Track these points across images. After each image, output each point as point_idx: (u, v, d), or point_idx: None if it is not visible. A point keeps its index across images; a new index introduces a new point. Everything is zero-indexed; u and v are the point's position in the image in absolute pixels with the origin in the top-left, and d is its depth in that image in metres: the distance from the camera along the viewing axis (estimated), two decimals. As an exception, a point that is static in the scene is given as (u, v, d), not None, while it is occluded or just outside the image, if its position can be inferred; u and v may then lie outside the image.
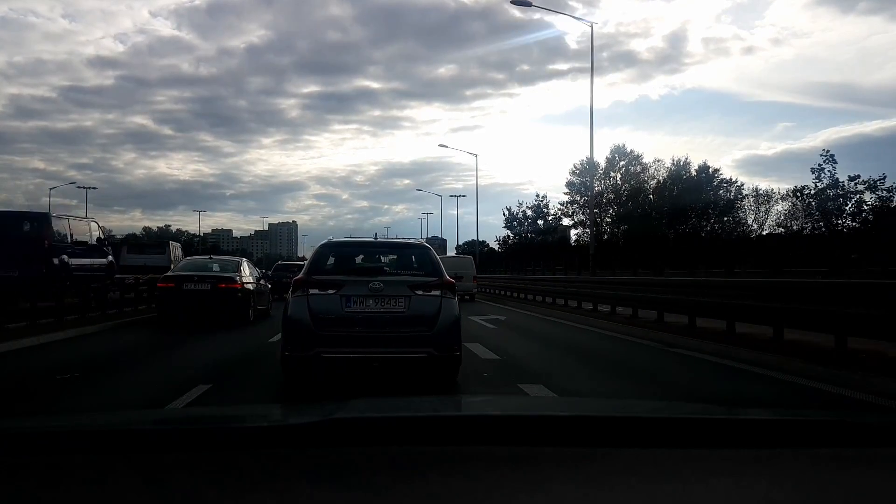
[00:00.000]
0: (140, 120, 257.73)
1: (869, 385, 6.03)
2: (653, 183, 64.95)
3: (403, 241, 8.36)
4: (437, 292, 6.36)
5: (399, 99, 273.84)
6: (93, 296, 14.09)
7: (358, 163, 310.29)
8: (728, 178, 63.08)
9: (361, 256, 7.69)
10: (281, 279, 23.01)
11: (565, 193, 72.92)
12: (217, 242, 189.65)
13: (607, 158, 69.77)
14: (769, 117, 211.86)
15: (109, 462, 1.12)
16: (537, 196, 77.50)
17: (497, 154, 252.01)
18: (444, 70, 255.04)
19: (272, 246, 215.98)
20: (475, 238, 74.25)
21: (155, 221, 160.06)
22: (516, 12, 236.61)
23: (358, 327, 6.15)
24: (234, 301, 13.89)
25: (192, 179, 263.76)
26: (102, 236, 17.36)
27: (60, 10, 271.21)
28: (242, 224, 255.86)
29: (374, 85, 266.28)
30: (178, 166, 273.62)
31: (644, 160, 68.04)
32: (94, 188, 78.80)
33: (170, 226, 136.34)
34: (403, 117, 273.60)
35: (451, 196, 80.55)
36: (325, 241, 7.38)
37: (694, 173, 63.74)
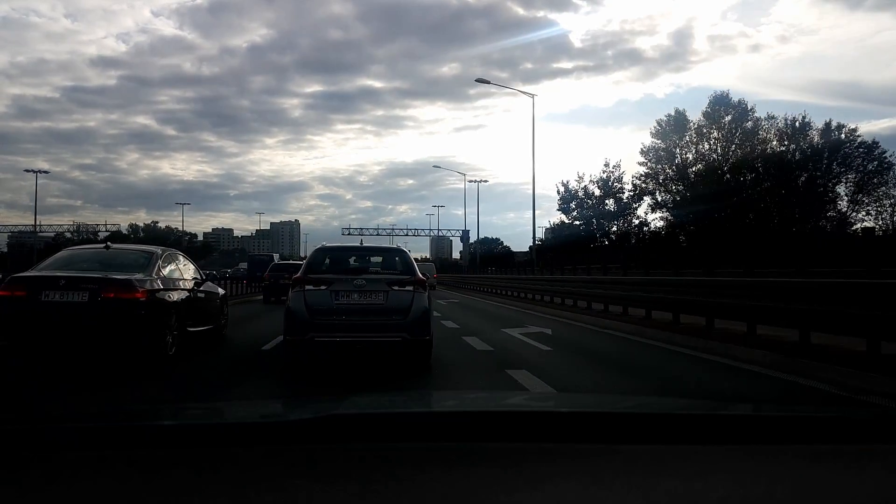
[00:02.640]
0: (143, 120, 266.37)
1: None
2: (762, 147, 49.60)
3: (384, 246, 12.15)
4: (410, 288, 7.71)
5: (402, 98, 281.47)
6: None
7: (361, 163, 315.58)
8: (869, 140, 46.35)
9: (350, 258, 9.17)
10: (278, 280, 22.02)
11: (640, 163, 54.74)
12: (214, 242, 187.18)
13: (705, 112, 51.68)
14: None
15: (108, 458, 1.13)
16: (606, 165, 56.79)
17: (501, 153, 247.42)
18: (447, 69, 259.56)
19: (273, 245, 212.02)
20: (484, 235, 65.65)
21: (160, 221, 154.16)
22: (519, 9, 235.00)
23: (345, 316, 7.54)
24: (130, 322, 7.69)
25: (196, 180, 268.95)
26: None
27: (62, 9, 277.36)
28: (247, 224, 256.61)
29: (377, 84, 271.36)
30: (181, 167, 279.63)
31: (757, 114, 50.82)
32: (46, 172, 75.17)
33: (158, 222, 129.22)
34: (406, 117, 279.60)
35: (472, 181, 70.84)
36: (320, 245, 9.38)
37: (817, 136, 47.38)
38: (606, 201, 56.07)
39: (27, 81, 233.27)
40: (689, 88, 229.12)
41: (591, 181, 56.73)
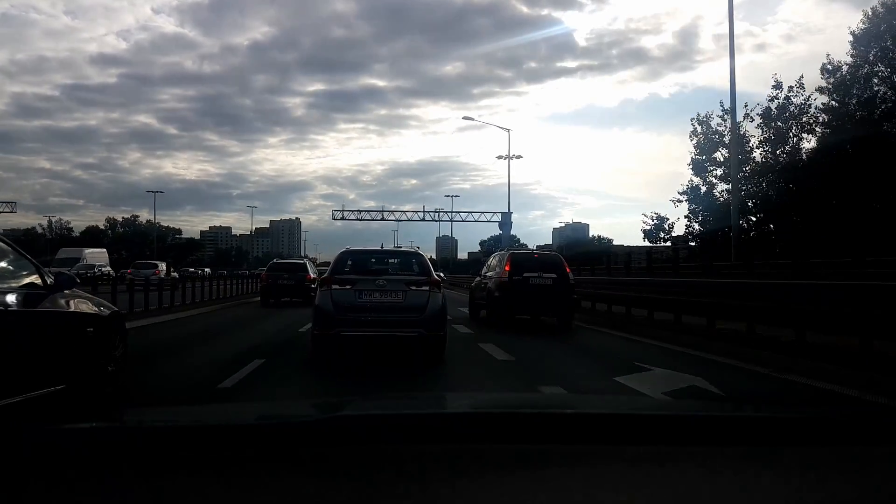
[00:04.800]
0: (144, 119, 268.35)
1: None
2: None
3: (402, 249, 14.95)
4: (426, 288, 8.58)
5: (405, 97, 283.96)
6: None
7: (364, 162, 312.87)
8: None
9: (371, 260, 10.09)
10: (277, 281, 22.12)
11: (820, 90, 30.60)
12: (212, 241, 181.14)
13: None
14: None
15: (110, 461, 1.13)
16: (777, 86, 30.97)
17: (504, 154, 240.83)
18: (451, 67, 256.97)
19: (273, 244, 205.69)
20: (492, 233, 56.09)
21: (162, 221, 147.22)
22: (523, 8, 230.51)
23: (368, 313, 8.32)
24: None
25: (199, 179, 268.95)
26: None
27: (62, 6, 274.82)
28: (251, 223, 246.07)
29: (380, 83, 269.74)
30: (184, 166, 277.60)
31: None
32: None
33: (138, 216, 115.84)
34: (410, 116, 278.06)
35: (499, 158, 62.65)
36: (344, 249, 9.85)
37: None
38: (804, 135, 31.29)
39: (27, 79, 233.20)
40: (694, 88, 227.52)
41: (771, 101, 31.11)
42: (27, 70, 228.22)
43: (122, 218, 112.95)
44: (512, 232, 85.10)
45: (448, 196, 64.26)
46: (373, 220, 64.87)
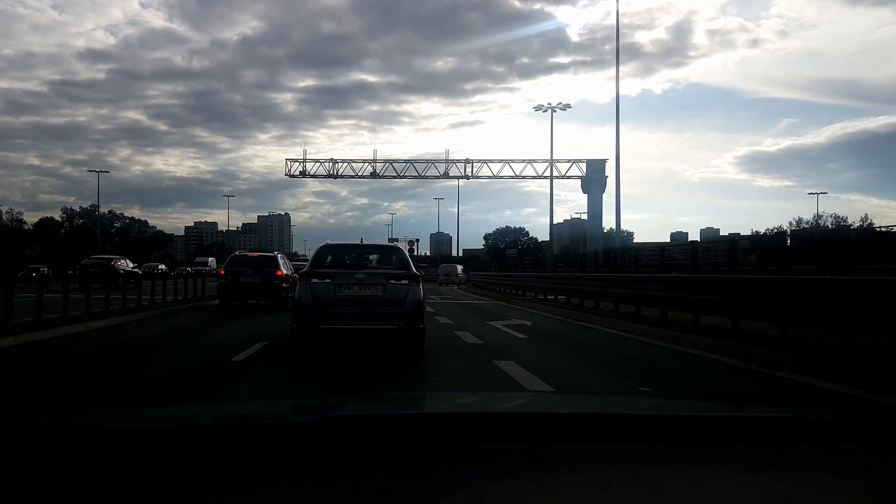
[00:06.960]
0: (134, 115, 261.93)
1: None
2: None
3: (382, 243, 14.04)
4: (406, 281, 8.93)
5: (397, 93, 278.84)
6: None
7: (356, 159, 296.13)
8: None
9: (351, 255, 10.35)
10: (238, 278, 18.28)
11: None
12: (197, 237, 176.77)
13: None
14: (773, 113, 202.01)
15: (111, 462, 1.13)
16: None
17: (499, 151, 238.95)
18: (443, 63, 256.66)
19: (262, 240, 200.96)
20: (486, 231, 49.27)
21: (154, 219, 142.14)
22: (516, 2, 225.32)
23: (347, 307, 8.70)
24: None
25: (190, 176, 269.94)
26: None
27: (49, 0, 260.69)
28: (242, 221, 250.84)
29: (371, 78, 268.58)
30: (174, 163, 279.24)
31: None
32: None
33: (97, 206, 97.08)
34: (402, 112, 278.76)
35: (536, 109, 48.01)
36: (324, 244, 10.45)
37: None
38: None
39: (14, 75, 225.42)
40: (687, 84, 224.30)
41: None
42: (14, 65, 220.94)
43: (80, 208, 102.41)
44: (509, 225, 71.29)
45: (453, 178, 54.19)
46: (356, 176, 53.74)
